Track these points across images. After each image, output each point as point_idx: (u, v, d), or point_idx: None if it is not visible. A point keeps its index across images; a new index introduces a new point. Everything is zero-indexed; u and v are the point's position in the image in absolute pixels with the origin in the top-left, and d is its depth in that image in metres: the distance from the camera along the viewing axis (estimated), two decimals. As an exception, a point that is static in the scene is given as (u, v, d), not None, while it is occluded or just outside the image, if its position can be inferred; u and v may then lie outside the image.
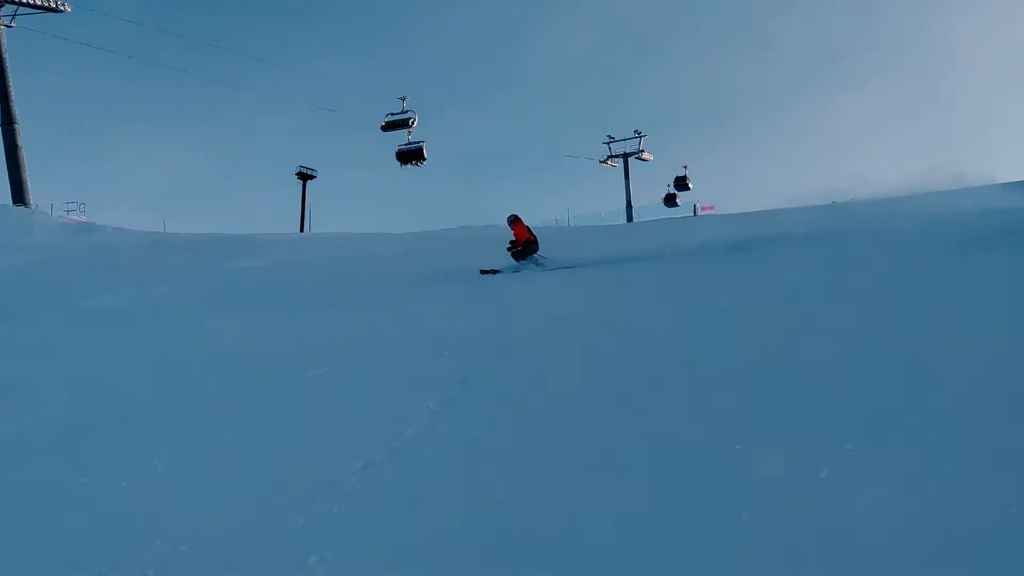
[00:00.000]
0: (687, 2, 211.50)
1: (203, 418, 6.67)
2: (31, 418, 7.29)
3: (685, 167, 69.87)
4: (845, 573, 3.16)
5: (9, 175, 41.50)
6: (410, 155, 45.48)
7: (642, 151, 70.82)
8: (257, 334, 11.55)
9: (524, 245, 19.10)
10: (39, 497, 5.10)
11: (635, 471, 4.45)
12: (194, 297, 16.79)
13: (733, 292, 11.11)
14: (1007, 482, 3.67)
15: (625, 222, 61.02)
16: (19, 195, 41.01)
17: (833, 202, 31.39)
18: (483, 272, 18.09)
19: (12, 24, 43.08)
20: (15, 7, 42.74)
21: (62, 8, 43.50)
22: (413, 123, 45.10)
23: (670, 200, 68.73)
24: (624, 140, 71.08)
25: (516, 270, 18.75)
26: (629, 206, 69.59)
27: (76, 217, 42.06)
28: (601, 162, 71.36)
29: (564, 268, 17.27)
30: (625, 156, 70.90)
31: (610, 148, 71.37)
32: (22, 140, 42.04)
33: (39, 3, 42.80)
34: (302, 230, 50.83)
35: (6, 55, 41.91)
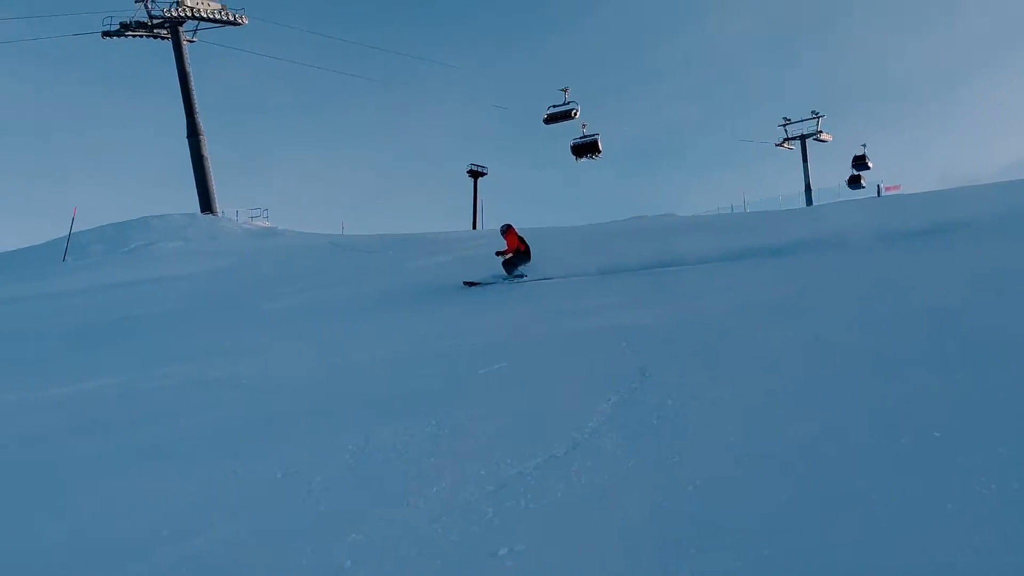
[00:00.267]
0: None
1: (389, 413, 6.93)
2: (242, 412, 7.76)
3: (863, 146, 66.81)
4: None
5: (197, 184, 44.18)
6: (585, 148, 45.40)
7: (820, 132, 68.28)
8: (436, 330, 11.85)
9: (515, 254, 19.01)
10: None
11: (832, 468, 4.36)
12: (373, 296, 17.36)
13: (918, 283, 10.63)
14: None
15: (805, 206, 59.07)
16: (206, 203, 43.58)
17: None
18: (467, 284, 18.12)
19: (194, 39, 45.82)
20: (196, 22, 45.44)
21: (240, 21, 45.87)
22: (575, 114, 45.05)
23: (854, 181, 65.77)
24: (801, 121, 68.74)
25: (505, 279, 18.55)
26: (808, 189, 67.30)
27: (260, 222, 44.20)
28: (777, 145, 69.31)
29: (734, 260, 16.64)
30: (802, 138, 68.57)
31: (786, 130, 69.20)
32: (207, 151, 44.71)
33: (219, 17, 45.29)
34: (474, 227, 51.68)
35: (190, 69, 44.59)
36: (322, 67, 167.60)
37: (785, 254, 15.90)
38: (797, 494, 4.07)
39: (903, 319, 8.01)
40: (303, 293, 18.65)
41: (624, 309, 11.50)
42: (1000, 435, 4.40)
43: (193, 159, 44.31)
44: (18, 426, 8.22)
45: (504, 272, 18.75)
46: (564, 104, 45.39)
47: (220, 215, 43.09)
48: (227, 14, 45.23)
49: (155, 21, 44.17)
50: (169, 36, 44.74)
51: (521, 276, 18.57)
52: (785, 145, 69.39)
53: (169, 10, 43.99)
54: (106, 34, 44.31)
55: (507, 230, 19.45)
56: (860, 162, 66.32)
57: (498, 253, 19.09)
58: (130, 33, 44.77)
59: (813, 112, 68.48)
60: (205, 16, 44.94)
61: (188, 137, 44.20)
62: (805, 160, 68.64)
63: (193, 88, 44.46)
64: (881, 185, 61.27)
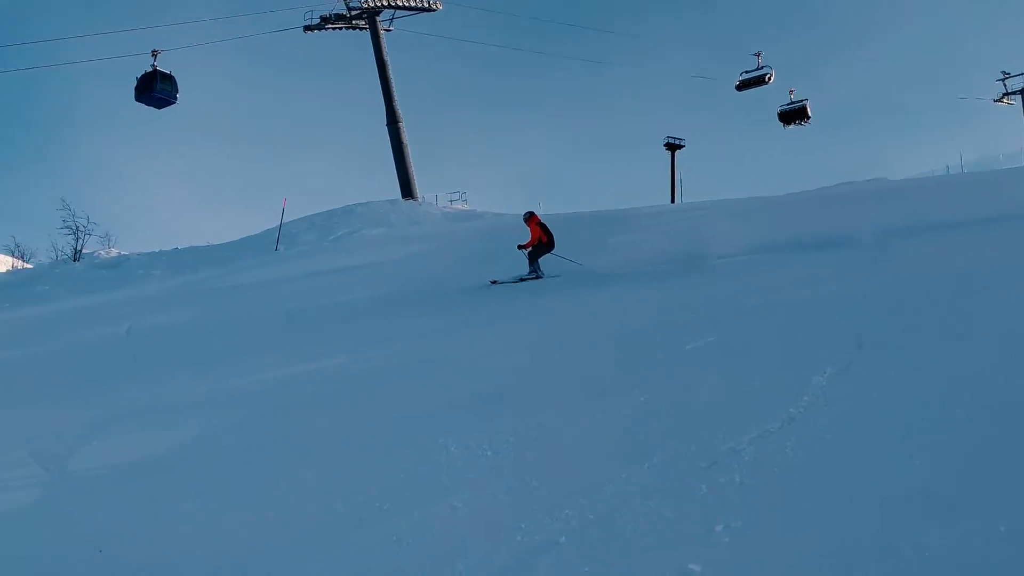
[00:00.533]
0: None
1: (598, 390, 6.98)
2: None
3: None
4: None
5: (397, 171, 45.57)
6: (793, 114, 44.13)
7: (1043, 84, 63.29)
8: (645, 305, 11.81)
9: (537, 246, 18.30)
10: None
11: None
12: (577, 273, 17.42)
13: None
14: None
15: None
16: (407, 189, 44.88)
17: None
18: (493, 283, 17.60)
19: (391, 28, 47.24)
20: (393, 11, 46.82)
21: (435, 7, 46.93)
22: (769, 79, 43.70)
23: (1081, 136, 60.69)
24: (1021, 75, 63.97)
25: (526, 277, 17.96)
26: (1033, 145, 62.58)
27: (459, 206, 45.21)
28: (996, 101, 64.72)
29: (952, 227, 15.45)
30: (1024, 92, 63.75)
31: (1005, 84, 64.43)
32: (406, 137, 46.08)
33: (415, 4, 46.50)
34: (673, 201, 51.06)
35: (387, 58, 46.00)
36: (515, 48, 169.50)
37: (1016, 219, 14.80)
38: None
39: None
40: (510, 273, 18.93)
41: (835, 280, 11.11)
42: None
43: (393, 146, 45.66)
44: (271, 399, 8.96)
45: (527, 267, 18.22)
46: (757, 69, 44.16)
47: (420, 200, 44.34)
48: (422, 0, 46.36)
49: (353, 13, 45.66)
50: (367, 26, 46.26)
51: (536, 274, 18.01)
52: (1005, 100, 64.72)
53: (367, 1, 45.50)
54: (307, 28, 46.23)
55: (529, 218, 18.88)
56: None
57: (520, 246, 18.59)
58: (330, 26, 46.50)
59: (1036, 63, 63.51)
60: (401, 4, 46.18)
61: (388, 125, 45.55)
62: (1029, 114, 63.88)
63: (391, 76, 45.86)
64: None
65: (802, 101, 43.95)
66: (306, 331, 14.39)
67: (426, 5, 46.59)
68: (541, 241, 18.23)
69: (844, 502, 3.92)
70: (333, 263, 25.93)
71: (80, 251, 46.23)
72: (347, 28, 47.07)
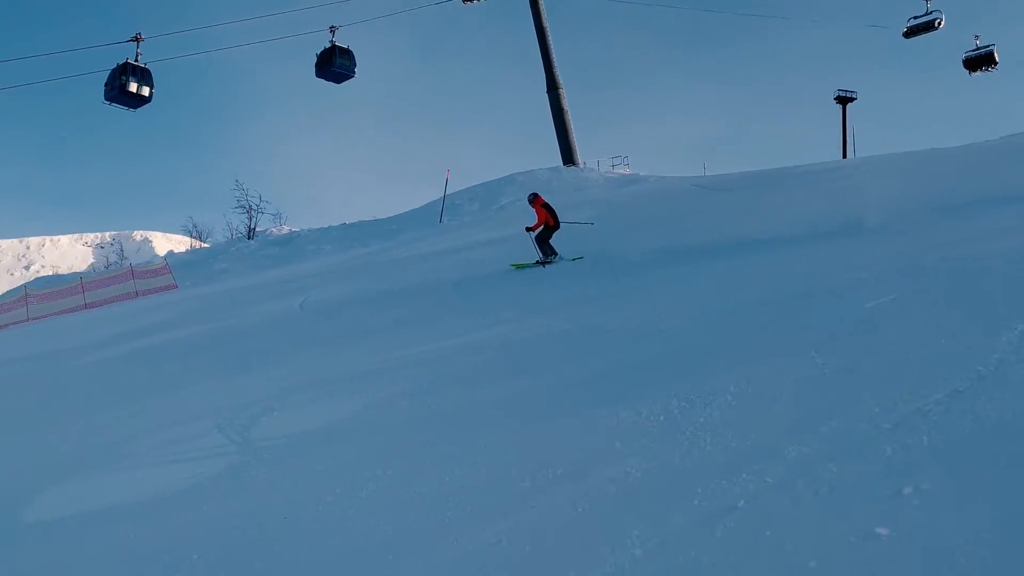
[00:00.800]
0: None
1: (775, 352, 6.86)
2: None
3: None
4: None
5: (558, 138, 45.70)
6: (979, 61, 42.09)
7: None
8: (812, 265, 11.47)
9: (544, 229, 17.88)
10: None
11: None
12: (726, 242, 16.99)
13: None
14: None
15: None
16: (568, 156, 44.96)
17: None
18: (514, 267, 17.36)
19: (548, -8, 47.26)
20: (549, -24, 46.88)
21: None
22: (939, 24, 41.54)
23: None
24: None
25: (539, 262, 17.50)
26: None
27: (621, 170, 45.08)
28: None
29: None
30: None
31: None
32: (567, 104, 46.08)
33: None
34: (844, 156, 49.31)
35: (546, 24, 46.08)
36: (672, 6, 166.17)
37: None
38: None
39: None
40: (669, 238, 18.71)
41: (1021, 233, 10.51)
42: None
43: (553, 113, 45.80)
44: (443, 368, 9.20)
45: (539, 253, 17.90)
46: (926, 14, 42.15)
47: (582, 166, 44.36)
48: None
49: (510, -20, 46.06)
50: (526, -7, 46.41)
51: (549, 259, 17.68)
52: None
53: (524, -33, 45.61)
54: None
55: (534, 200, 18.59)
56: None
57: (528, 229, 18.36)
58: (488, -5, 46.99)
59: None
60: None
61: (548, 91, 45.68)
62: None
63: (550, 42, 45.92)
64: None
65: (988, 47, 41.82)
66: (470, 302, 14.66)
67: (582, -32, 46.28)
68: (548, 224, 18.10)
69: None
70: (496, 232, 26.28)
71: (254, 229, 48.61)
72: (504, -4, 47.28)
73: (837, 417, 4.86)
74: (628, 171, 44.78)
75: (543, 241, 18.03)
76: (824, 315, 7.96)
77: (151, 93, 27.13)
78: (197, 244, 53.43)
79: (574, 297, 12.92)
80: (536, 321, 11.11)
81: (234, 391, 9.85)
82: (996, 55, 41.83)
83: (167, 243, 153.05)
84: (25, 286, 40.31)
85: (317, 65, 30.74)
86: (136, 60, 26.84)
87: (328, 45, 30.13)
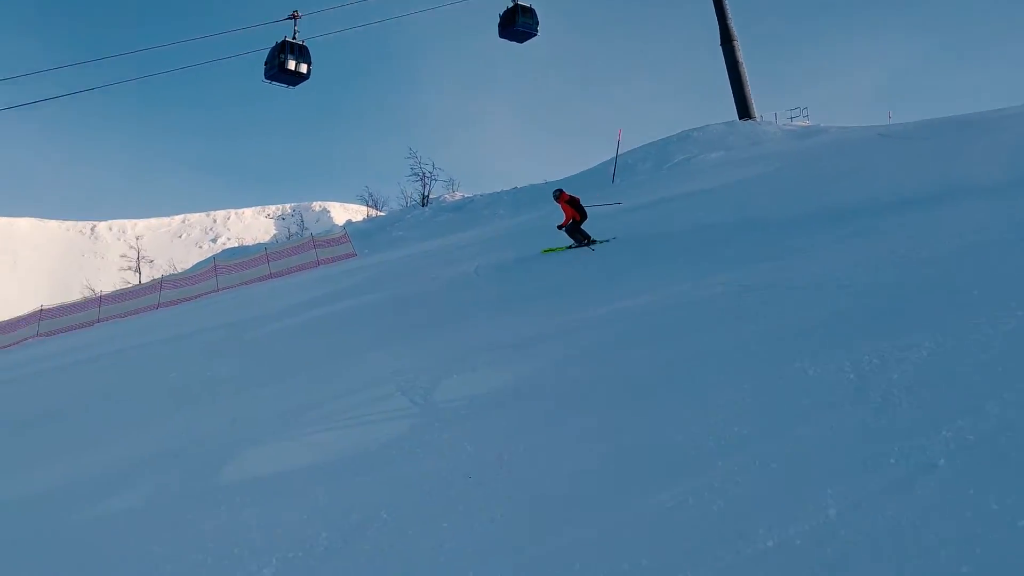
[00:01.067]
0: None
1: (965, 307, 6.60)
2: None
3: None
4: None
5: (733, 91, 44.66)
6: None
7: None
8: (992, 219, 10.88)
9: (573, 224, 18.16)
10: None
11: None
12: (921, 188, 16.16)
13: None
14: None
15: None
16: (744, 109, 43.88)
17: None
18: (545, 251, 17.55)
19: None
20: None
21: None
22: None
23: None
24: None
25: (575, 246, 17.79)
26: None
27: (800, 122, 43.69)
28: None
29: None
30: None
31: None
32: (742, 55, 44.96)
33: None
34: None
35: (719, -26, 45.02)
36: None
37: None
38: None
39: None
40: (851, 191, 17.98)
41: None
42: None
43: (728, 66, 44.79)
44: (617, 328, 9.23)
45: (575, 242, 18.12)
46: None
47: (759, 120, 43.25)
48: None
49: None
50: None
51: (587, 244, 17.83)
52: None
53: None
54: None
55: (559, 196, 18.68)
56: None
57: (559, 227, 18.57)
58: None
59: None
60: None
61: (721, 44, 44.70)
62: None
63: (725, -6, 44.87)
64: None
65: None
66: (643, 263, 14.59)
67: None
68: (575, 220, 18.37)
69: None
70: (667, 191, 25.95)
71: (427, 196, 49.69)
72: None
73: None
74: (807, 123, 43.36)
75: (575, 231, 18.41)
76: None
77: (309, 70, 27.84)
78: (373, 213, 55.07)
79: (748, 255, 12.61)
80: (715, 279, 10.96)
81: (414, 355, 10.12)
82: None
83: (344, 212, 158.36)
84: (214, 258, 42.61)
85: (500, 25, 30.92)
86: (294, 38, 27.63)
87: (511, 5, 30.29)
